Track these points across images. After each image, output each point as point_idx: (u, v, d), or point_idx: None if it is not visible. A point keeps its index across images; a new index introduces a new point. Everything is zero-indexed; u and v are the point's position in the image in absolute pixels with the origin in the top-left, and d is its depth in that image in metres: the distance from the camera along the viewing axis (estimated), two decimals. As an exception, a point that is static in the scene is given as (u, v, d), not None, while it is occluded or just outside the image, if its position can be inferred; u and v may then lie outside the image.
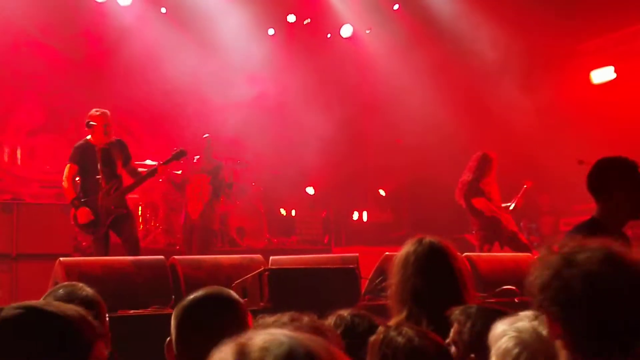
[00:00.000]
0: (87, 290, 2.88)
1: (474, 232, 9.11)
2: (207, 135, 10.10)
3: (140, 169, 8.47)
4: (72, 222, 7.95)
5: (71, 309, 1.71)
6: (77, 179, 8.03)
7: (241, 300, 2.55)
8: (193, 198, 9.87)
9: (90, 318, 1.74)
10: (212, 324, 2.22)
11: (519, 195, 9.21)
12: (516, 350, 2.08)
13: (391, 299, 3.22)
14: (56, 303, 1.73)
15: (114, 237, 8.00)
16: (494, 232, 8.87)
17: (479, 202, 8.84)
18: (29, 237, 8.55)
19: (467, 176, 8.96)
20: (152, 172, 8.18)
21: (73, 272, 5.45)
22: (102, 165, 7.79)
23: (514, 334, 2.11)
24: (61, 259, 5.84)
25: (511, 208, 9.15)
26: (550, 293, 1.92)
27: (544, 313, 1.97)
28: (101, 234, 7.85)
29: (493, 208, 8.85)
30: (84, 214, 7.78)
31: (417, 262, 3.15)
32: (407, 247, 3.23)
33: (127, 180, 8.24)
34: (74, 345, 1.66)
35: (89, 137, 7.96)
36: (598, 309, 1.87)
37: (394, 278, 3.22)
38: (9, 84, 11.75)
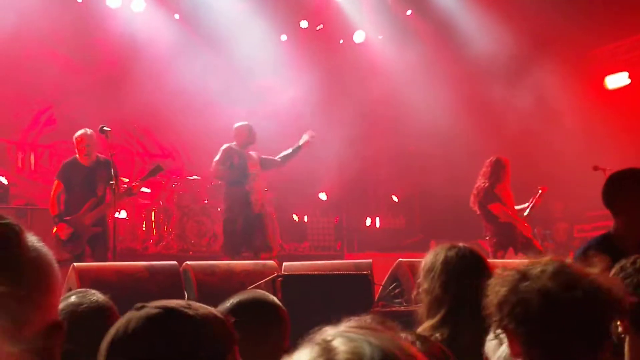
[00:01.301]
0: (98, 295, 2.88)
1: (487, 238, 9.06)
2: (244, 123, 9.24)
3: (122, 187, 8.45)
4: (55, 238, 8.10)
5: (210, 312, 1.69)
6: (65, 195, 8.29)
7: (283, 307, 2.56)
8: (258, 190, 9.09)
9: (228, 324, 1.72)
10: (257, 328, 2.22)
11: (534, 200, 9.15)
12: None
13: (423, 304, 3.17)
14: (196, 305, 1.69)
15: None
16: (508, 238, 8.82)
17: (495, 208, 8.79)
18: (42, 243, 8.58)
19: (481, 182, 8.92)
20: (128, 191, 8.27)
21: (86, 278, 5.45)
22: (84, 184, 8.10)
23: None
24: (75, 264, 5.86)
25: (526, 213, 9.09)
26: (508, 309, 1.95)
27: (504, 331, 1.99)
28: (79, 252, 8.05)
29: (509, 213, 8.81)
30: (62, 230, 8.03)
31: (457, 266, 3.11)
32: (444, 252, 3.18)
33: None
34: (209, 351, 1.63)
35: (77, 155, 8.27)
36: (553, 324, 1.90)
37: (427, 283, 3.17)
38: (23, 90, 11.80)
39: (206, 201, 11.47)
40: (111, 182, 7.99)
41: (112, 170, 8.03)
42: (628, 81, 12.37)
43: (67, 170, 8.25)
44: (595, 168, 9.05)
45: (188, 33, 12.77)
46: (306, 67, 12.88)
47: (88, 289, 2.99)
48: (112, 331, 1.64)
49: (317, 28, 13.61)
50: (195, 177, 11.45)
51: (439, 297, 3.10)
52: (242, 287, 5.62)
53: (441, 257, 3.17)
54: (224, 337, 1.68)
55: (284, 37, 13.46)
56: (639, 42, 12.56)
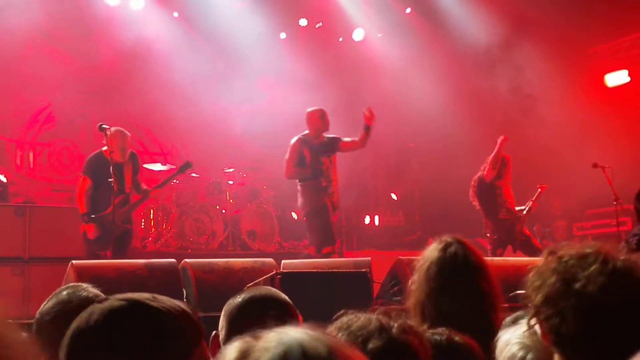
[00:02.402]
0: (90, 290, 2.83)
1: (487, 235, 9.05)
2: (316, 108, 8.82)
3: (142, 186, 8.46)
4: (82, 238, 8.05)
5: (177, 305, 1.65)
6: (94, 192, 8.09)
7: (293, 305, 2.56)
8: (333, 180, 8.65)
9: (195, 317, 1.68)
10: (267, 325, 2.22)
11: (533, 199, 9.13)
12: (521, 354, 2.08)
13: (410, 306, 3.05)
14: (162, 298, 1.65)
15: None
16: (508, 236, 8.82)
17: (488, 174, 8.78)
18: (41, 241, 8.56)
19: (481, 176, 8.91)
20: (160, 185, 8.27)
21: (85, 275, 5.45)
22: (114, 181, 7.85)
23: (517, 340, 2.12)
24: (73, 262, 5.85)
25: (525, 212, 9.07)
26: (549, 302, 1.88)
27: (540, 320, 1.92)
28: (106, 249, 7.96)
29: (507, 206, 8.78)
30: (92, 231, 7.93)
31: (439, 274, 2.93)
32: (430, 253, 3.01)
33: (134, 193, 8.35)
34: (176, 344, 1.60)
35: (104, 148, 8.03)
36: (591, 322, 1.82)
37: (413, 285, 3.05)
38: (22, 88, 11.79)
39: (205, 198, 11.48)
40: (137, 175, 8.13)
41: (137, 165, 8.19)
42: (628, 79, 12.38)
43: (94, 166, 8.05)
44: (595, 166, 9.07)
45: (187, 31, 12.76)
46: (305, 65, 12.87)
47: (80, 284, 2.94)
48: (75, 324, 1.59)
49: (317, 26, 13.60)
50: (194, 174, 11.43)
51: (422, 305, 2.99)
52: (241, 284, 5.62)
53: (426, 260, 3.01)
54: (191, 330, 1.64)
55: (283, 35, 13.45)
56: (638, 40, 12.55)
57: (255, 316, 2.36)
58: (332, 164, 8.61)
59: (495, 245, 8.84)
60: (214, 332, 2.45)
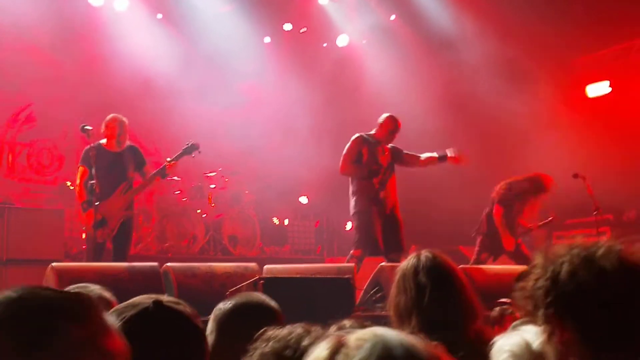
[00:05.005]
0: (96, 292, 2.82)
1: (474, 234, 9.06)
2: (391, 115, 8.45)
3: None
4: (83, 224, 8.04)
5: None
6: (92, 182, 7.79)
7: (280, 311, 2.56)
8: (389, 187, 8.45)
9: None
10: (256, 332, 2.21)
11: (539, 224, 9.25)
12: None
13: (391, 313, 3.12)
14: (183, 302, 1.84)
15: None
16: (495, 244, 8.83)
17: (498, 211, 8.80)
18: (19, 242, 8.48)
19: (512, 184, 8.94)
20: (162, 170, 8.19)
21: (65, 278, 5.38)
22: (112, 169, 7.94)
23: (507, 347, 2.13)
24: (53, 264, 5.79)
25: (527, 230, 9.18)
26: (561, 294, 1.84)
27: (547, 318, 1.86)
28: (104, 239, 7.88)
29: (504, 223, 8.77)
30: (91, 217, 7.75)
31: (414, 277, 3.01)
32: (405, 262, 3.10)
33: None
34: (198, 346, 1.76)
35: (103, 141, 8.10)
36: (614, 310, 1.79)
37: (392, 291, 3.13)
38: (2, 87, 11.66)
39: (185, 199, 11.40)
40: (144, 166, 8.14)
41: (141, 156, 8.27)
42: (609, 90, 12.47)
43: (92, 157, 7.87)
44: (575, 176, 9.12)
45: (171, 33, 12.69)
46: (289, 70, 12.86)
47: (88, 285, 2.95)
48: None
49: (301, 31, 13.60)
50: (175, 178, 11.36)
51: (402, 308, 3.05)
52: (223, 289, 5.59)
53: (402, 267, 3.11)
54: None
55: (267, 40, 13.43)
56: (621, 52, 12.66)
57: (246, 322, 2.35)
58: (390, 172, 8.38)
59: (481, 248, 8.87)
60: None
